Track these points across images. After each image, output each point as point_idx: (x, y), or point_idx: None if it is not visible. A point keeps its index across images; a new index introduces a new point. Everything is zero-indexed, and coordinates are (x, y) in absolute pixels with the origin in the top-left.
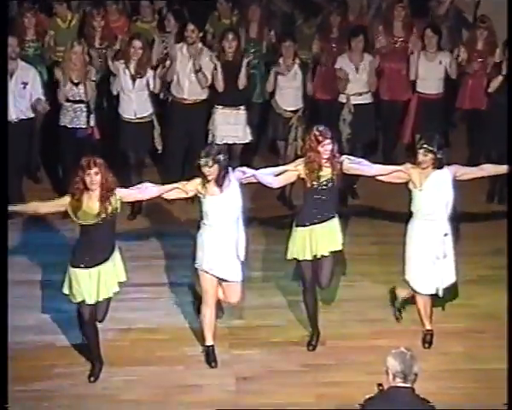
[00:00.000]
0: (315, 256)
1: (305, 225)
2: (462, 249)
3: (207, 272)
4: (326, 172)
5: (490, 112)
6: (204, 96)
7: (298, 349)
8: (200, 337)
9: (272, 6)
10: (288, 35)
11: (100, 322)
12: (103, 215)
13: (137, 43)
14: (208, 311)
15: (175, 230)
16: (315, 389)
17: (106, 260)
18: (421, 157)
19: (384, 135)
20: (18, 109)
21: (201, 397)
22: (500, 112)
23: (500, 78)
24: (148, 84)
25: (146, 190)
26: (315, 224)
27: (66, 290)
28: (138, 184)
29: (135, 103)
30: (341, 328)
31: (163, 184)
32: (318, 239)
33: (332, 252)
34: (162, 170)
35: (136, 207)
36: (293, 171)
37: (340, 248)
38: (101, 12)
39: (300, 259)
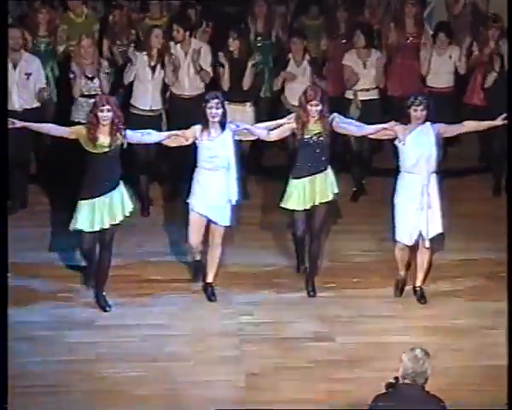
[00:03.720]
0: (309, 207)
1: (299, 177)
2: (473, 246)
3: (198, 212)
4: (315, 128)
5: (488, 107)
6: (203, 90)
7: (308, 345)
8: (210, 333)
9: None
10: (296, 31)
11: (108, 246)
12: (112, 147)
13: (158, 32)
14: (216, 250)
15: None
16: (325, 385)
17: (111, 189)
18: (418, 113)
19: None
20: (22, 99)
21: (211, 393)
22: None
23: (494, 74)
24: (163, 77)
25: (149, 136)
26: (308, 176)
27: (73, 226)
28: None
29: (151, 95)
30: (351, 324)
31: (166, 187)
32: (311, 191)
33: (324, 203)
34: (167, 166)
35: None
36: (288, 124)
37: (331, 198)
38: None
39: (293, 209)
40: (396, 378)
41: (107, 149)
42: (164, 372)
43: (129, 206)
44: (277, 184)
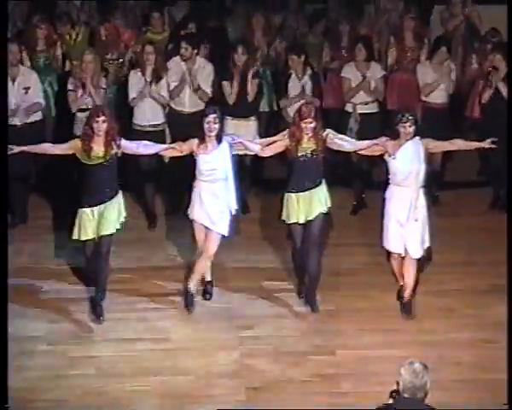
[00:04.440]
0: (304, 220)
1: (294, 192)
2: (472, 259)
3: (197, 222)
4: (309, 145)
5: (485, 120)
6: (202, 107)
7: (308, 359)
8: (211, 347)
9: (277, 17)
10: (296, 46)
11: (106, 254)
12: (107, 158)
13: (149, 49)
14: (201, 260)
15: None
16: (326, 399)
17: (109, 198)
18: (407, 129)
19: None
20: (21, 114)
21: (212, 408)
22: (496, 119)
23: (490, 91)
24: (161, 92)
25: (145, 147)
26: (304, 191)
27: (75, 235)
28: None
29: (149, 110)
30: (352, 338)
31: (168, 199)
32: (306, 204)
33: (319, 216)
34: (168, 181)
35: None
36: (281, 141)
37: (325, 210)
38: (107, 24)
39: (290, 222)
40: (396, 392)
41: (102, 160)
42: (165, 387)
43: (123, 215)
44: (278, 196)
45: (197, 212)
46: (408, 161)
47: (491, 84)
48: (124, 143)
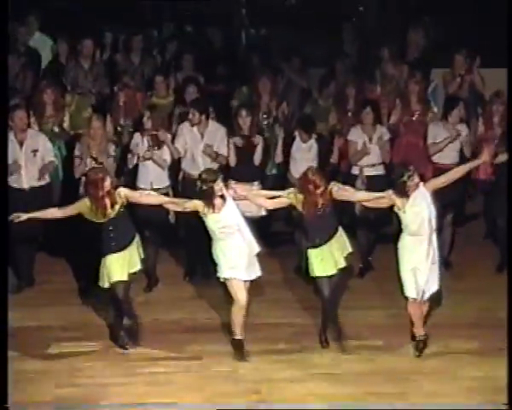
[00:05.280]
0: (332, 273)
1: (316, 247)
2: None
3: (234, 278)
4: (319, 202)
5: (497, 180)
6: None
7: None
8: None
9: (285, 79)
10: (304, 120)
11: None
12: (116, 210)
13: (147, 114)
14: (241, 312)
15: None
16: None
17: (129, 243)
18: (412, 183)
19: None
20: (29, 177)
21: None
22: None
23: (505, 156)
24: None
25: (147, 196)
26: (324, 243)
27: (102, 283)
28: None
29: (151, 174)
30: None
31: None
32: (331, 255)
33: (345, 260)
34: (176, 243)
35: (152, 281)
36: (286, 198)
37: (350, 250)
38: (121, 89)
39: (318, 275)
40: None
41: (112, 215)
42: None
43: (138, 263)
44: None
45: (231, 269)
46: (418, 211)
47: (502, 149)
48: (125, 191)
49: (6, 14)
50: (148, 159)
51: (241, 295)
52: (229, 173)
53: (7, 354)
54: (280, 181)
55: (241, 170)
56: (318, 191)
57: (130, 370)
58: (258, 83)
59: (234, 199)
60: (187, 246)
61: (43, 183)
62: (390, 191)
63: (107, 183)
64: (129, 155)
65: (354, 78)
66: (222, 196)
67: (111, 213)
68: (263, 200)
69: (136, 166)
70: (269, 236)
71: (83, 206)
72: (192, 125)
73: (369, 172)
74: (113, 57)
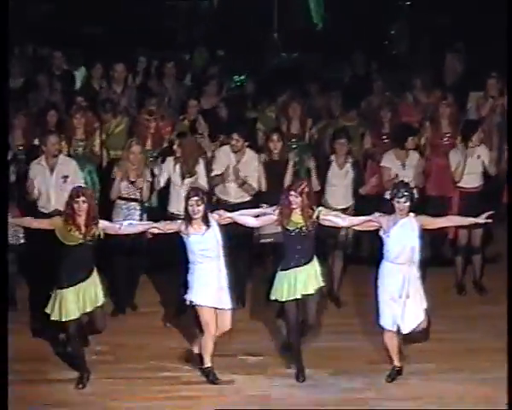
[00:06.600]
0: (296, 297)
1: (286, 269)
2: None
3: (204, 305)
4: (298, 220)
5: None
6: (248, 198)
7: None
8: None
9: (314, 101)
10: (342, 132)
11: (100, 332)
12: (87, 238)
13: (177, 142)
14: (211, 340)
15: None
16: None
17: (86, 278)
18: (401, 205)
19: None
20: (58, 203)
21: None
22: None
23: None
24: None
25: (126, 226)
26: (295, 267)
27: (49, 310)
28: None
29: (184, 199)
30: None
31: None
32: (299, 281)
33: (314, 291)
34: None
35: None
36: (273, 215)
37: (320, 286)
38: (152, 113)
39: (283, 300)
40: None
41: (81, 240)
42: None
43: (101, 298)
44: None
45: (203, 296)
46: (402, 238)
47: None
48: (104, 223)
49: (6, 13)
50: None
51: (211, 323)
52: (260, 198)
53: (7, 354)
54: None
55: (271, 193)
56: (293, 198)
57: (162, 394)
58: (289, 107)
59: (220, 224)
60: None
61: None
62: (377, 214)
63: (85, 205)
64: (156, 180)
65: (388, 100)
66: (205, 219)
67: (80, 237)
68: (250, 219)
69: (168, 190)
70: None
71: (57, 222)
72: (233, 152)
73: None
74: (145, 82)
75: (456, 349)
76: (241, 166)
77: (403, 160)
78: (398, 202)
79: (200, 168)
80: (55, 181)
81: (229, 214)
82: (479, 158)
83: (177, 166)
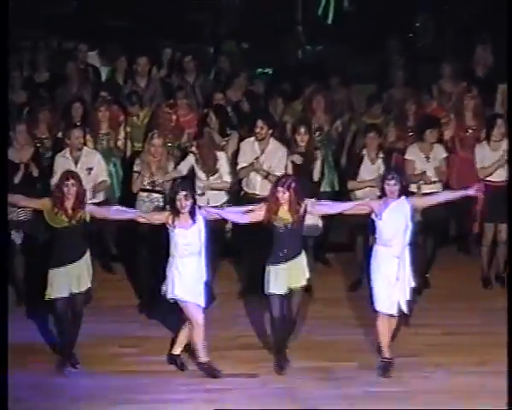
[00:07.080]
0: (283, 292)
1: (273, 264)
2: None
3: (189, 302)
4: (286, 216)
5: None
6: None
7: None
8: None
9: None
10: (373, 126)
11: (78, 314)
12: (73, 221)
13: (194, 143)
14: (202, 332)
15: None
16: None
17: (77, 259)
18: (391, 187)
19: (456, 224)
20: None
21: None
22: None
23: None
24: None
25: (114, 212)
26: (283, 262)
27: (48, 296)
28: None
29: (209, 192)
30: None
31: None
32: (286, 276)
33: (299, 287)
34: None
35: None
36: (259, 211)
37: (304, 283)
38: (173, 106)
39: (270, 293)
40: None
41: (66, 224)
42: None
43: (87, 283)
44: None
45: (182, 290)
46: (394, 220)
47: None
48: (92, 207)
49: (6, 14)
50: (202, 194)
51: (199, 316)
52: None
53: (7, 355)
54: (334, 199)
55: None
56: (281, 194)
57: (187, 387)
58: (313, 100)
59: (206, 219)
60: (244, 261)
61: (96, 201)
62: (367, 198)
63: (74, 189)
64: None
65: (412, 93)
66: (191, 214)
67: (66, 221)
68: (239, 216)
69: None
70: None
71: (46, 203)
72: (257, 140)
73: (426, 189)
74: (170, 75)
75: (484, 342)
76: (266, 156)
77: (427, 153)
78: (388, 184)
79: (222, 164)
80: (80, 173)
81: (216, 211)
82: (504, 152)
83: (200, 164)
